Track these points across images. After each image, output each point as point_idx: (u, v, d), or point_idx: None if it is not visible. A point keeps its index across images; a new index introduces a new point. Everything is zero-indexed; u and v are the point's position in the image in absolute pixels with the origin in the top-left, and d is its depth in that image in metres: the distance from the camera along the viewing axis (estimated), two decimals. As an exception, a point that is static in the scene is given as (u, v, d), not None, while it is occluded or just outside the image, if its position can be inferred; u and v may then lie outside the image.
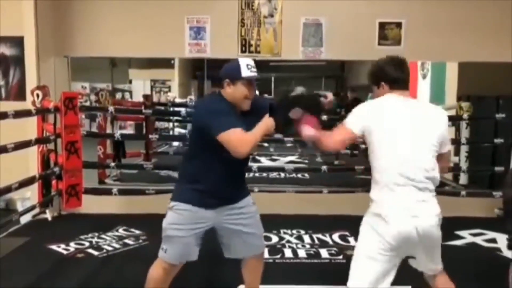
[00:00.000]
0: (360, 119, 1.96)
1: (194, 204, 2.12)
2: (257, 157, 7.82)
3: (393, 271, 1.94)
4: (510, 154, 4.30)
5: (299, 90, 2.24)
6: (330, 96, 2.28)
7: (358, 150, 7.71)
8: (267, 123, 2.05)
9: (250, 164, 4.44)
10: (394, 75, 2.00)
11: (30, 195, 4.42)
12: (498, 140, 4.80)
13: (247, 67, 2.08)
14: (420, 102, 2.16)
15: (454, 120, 5.72)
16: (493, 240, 3.95)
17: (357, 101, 8.65)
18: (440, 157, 1.96)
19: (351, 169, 5.16)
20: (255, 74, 2.10)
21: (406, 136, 1.89)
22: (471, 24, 4.64)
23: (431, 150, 1.91)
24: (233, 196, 2.21)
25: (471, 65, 5.37)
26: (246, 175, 2.40)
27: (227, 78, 2.10)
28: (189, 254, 2.18)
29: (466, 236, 3.98)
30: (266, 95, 10.25)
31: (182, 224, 2.12)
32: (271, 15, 4.67)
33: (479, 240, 3.94)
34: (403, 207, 1.85)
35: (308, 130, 2.02)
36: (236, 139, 1.95)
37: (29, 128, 4.30)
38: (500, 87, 5.35)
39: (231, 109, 2.08)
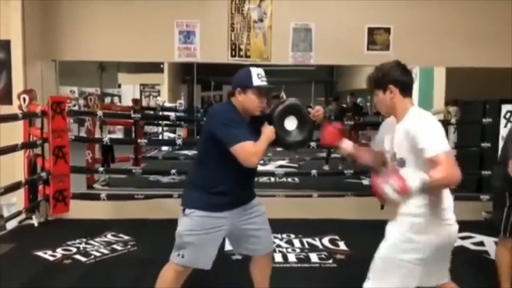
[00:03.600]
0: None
1: (211, 210, 2.18)
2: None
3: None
4: (497, 158, 4.36)
5: (290, 100, 2.29)
6: (318, 108, 2.32)
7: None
8: (268, 132, 2.16)
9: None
10: (404, 79, 1.97)
11: (16, 201, 4.35)
12: (485, 144, 4.86)
13: (257, 76, 2.17)
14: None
15: (442, 125, 5.78)
16: (481, 243, 3.99)
17: (356, 106, 8.69)
18: None
19: (341, 173, 5.19)
20: (266, 83, 2.19)
21: None
22: (459, 30, 4.70)
23: None
24: (245, 198, 2.32)
25: (458, 70, 5.43)
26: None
27: (239, 86, 2.18)
28: (207, 260, 2.24)
29: (454, 240, 4.01)
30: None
31: (199, 230, 2.18)
32: (261, 20, 4.69)
33: (467, 243, 3.97)
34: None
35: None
36: (247, 151, 2.05)
37: (16, 132, 4.24)
38: (486, 92, 5.43)
39: (242, 119, 2.16)
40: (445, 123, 5.49)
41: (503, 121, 4.31)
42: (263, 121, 2.22)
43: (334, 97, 9.62)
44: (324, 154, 8.06)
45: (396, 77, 1.95)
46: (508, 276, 2.69)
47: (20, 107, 4.22)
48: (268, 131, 2.16)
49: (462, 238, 4.05)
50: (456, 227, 1.96)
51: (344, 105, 8.74)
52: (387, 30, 4.70)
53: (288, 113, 2.25)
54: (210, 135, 2.15)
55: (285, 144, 2.31)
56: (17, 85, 4.40)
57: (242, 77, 2.19)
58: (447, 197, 1.95)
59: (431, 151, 1.76)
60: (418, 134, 1.81)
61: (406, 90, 1.96)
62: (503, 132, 4.31)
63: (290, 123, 2.26)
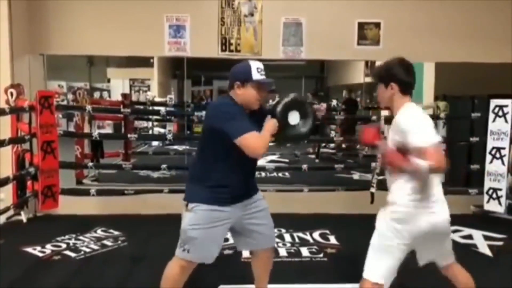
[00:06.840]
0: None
1: (213, 203, 2.17)
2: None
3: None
4: (485, 153, 4.41)
5: (292, 95, 2.31)
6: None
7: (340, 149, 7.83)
8: (270, 124, 2.17)
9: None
10: (405, 78, 2.03)
11: (4, 197, 4.30)
12: (473, 139, 4.91)
13: (257, 70, 2.16)
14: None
15: (432, 119, 5.83)
16: (469, 237, 4.04)
17: (351, 101, 8.74)
18: None
19: (331, 168, 5.21)
20: (265, 77, 2.19)
21: None
22: (449, 25, 4.73)
23: None
24: (247, 192, 2.31)
25: (447, 66, 5.47)
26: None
27: (238, 80, 2.17)
28: (212, 254, 2.24)
29: (443, 233, 4.06)
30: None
31: (204, 224, 2.17)
32: (251, 14, 4.67)
33: (455, 236, 4.01)
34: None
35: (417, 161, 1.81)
36: (253, 142, 2.05)
37: (3, 127, 4.18)
38: (475, 87, 5.48)
39: (243, 111, 2.16)
40: (435, 117, 5.54)
41: (491, 116, 4.36)
42: (262, 115, 2.23)
43: (313, 92, 9.83)
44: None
45: (398, 76, 2.02)
46: None
47: (7, 102, 4.16)
48: (270, 124, 2.17)
49: (451, 231, 4.10)
50: (442, 216, 2.03)
51: (335, 100, 8.78)
52: (378, 25, 4.72)
53: (291, 108, 2.27)
54: (211, 129, 2.14)
55: (289, 137, 2.34)
56: (4, 80, 4.33)
57: (242, 71, 2.18)
58: (434, 188, 2.02)
59: (420, 142, 1.84)
60: (408, 127, 1.90)
61: (406, 89, 2.03)
62: (492, 126, 4.37)
63: (293, 117, 2.28)
